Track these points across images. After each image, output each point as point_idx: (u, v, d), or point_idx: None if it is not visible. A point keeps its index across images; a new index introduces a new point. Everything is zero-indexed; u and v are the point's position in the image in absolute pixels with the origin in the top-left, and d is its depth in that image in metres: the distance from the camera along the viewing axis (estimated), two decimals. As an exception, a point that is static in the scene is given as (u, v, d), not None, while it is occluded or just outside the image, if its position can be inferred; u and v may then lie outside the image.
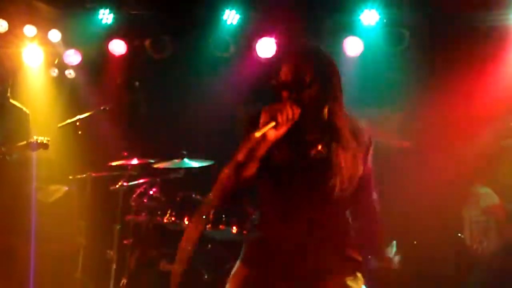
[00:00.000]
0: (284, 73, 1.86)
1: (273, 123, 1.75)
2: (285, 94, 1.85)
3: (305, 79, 1.83)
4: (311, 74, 1.84)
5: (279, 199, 1.91)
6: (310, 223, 1.88)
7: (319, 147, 1.88)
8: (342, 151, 1.87)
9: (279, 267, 1.90)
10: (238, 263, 2.01)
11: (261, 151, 1.77)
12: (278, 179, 1.88)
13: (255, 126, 1.76)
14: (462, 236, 3.62)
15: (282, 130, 1.78)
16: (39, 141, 3.65)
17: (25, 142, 3.61)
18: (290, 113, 1.77)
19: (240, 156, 1.77)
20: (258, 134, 1.73)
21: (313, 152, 1.88)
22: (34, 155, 3.82)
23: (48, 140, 3.67)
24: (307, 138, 1.89)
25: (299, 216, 1.89)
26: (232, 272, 2.00)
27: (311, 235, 1.88)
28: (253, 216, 3.34)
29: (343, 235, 1.97)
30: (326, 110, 1.89)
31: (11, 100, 3.86)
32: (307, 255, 1.90)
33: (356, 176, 1.92)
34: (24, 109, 3.87)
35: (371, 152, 2.00)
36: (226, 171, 1.81)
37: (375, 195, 2.06)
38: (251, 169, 1.79)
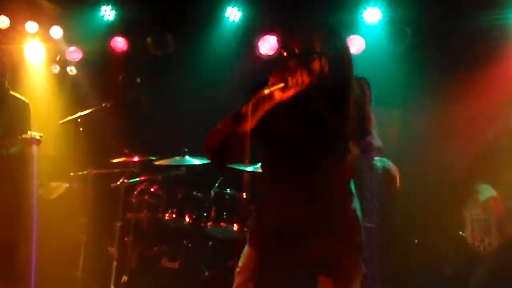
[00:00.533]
0: (295, 43, 1.88)
1: (282, 84, 1.78)
2: (292, 64, 1.87)
3: (315, 50, 1.85)
4: (323, 46, 1.86)
5: (279, 170, 1.92)
6: (310, 195, 1.87)
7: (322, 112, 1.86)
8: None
9: (282, 249, 1.91)
10: (245, 247, 2.03)
11: (265, 108, 1.80)
12: (280, 146, 1.89)
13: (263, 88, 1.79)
14: (463, 235, 3.61)
15: (289, 93, 1.80)
16: (31, 137, 3.61)
17: (19, 137, 3.58)
18: (300, 78, 1.80)
19: (244, 108, 1.80)
20: (267, 91, 1.76)
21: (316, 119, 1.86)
22: (35, 151, 3.81)
23: (41, 136, 3.64)
24: (313, 107, 1.87)
25: (298, 184, 1.88)
26: (241, 257, 2.02)
27: (311, 213, 1.88)
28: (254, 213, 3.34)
29: (342, 212, 1.95)
30: (336, 80, 1.88)
31: (10, 92, 3.84)
32: (306, 237, 1.90)
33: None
34: (24, 98, 3.85)
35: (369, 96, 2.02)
36: (225, 118, 1.85)
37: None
38: (249, 124, 1.80)
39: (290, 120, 1.88)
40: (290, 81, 1.79)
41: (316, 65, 1.85)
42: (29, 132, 3.60)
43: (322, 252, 1.90)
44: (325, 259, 1.91)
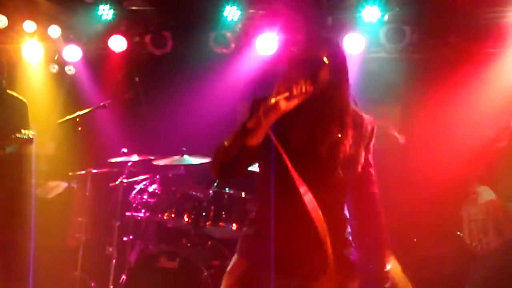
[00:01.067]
0: (301, 50, 1.89)
1: (287, 94, 1.77)
2: (296, 71, 1.85)
3: (321, 59, 1.85)
4: (326, 56, 1.86)
5: (279, 185, 1.88)
6: (308, 217, 1.83)
7: (335, 134, 1.86)
8: (345, 138, 1.87)
9: (275, 262, 1.88)
10: (235, 256, 2.01)
11: (271, 119, 1.76)
12: (282, 161, 1.83)
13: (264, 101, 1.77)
14: (461, 235, 3.61)
15: (293, 103, 1.79)
16: (23, 137, 3.59)
17: (13, 136, 3.57)
18: (304, 87, 1.79)
19: (250, 122, 1.77)
20: (273, 100, 1.74)
21: (328, 140, 1.86)
22: (34, 151, 3.80)
23: (33, 135, 3.62)
24: (319, 123, 1.87)
25: (297, 206, 1.84)
26: (229, 266, 2.00)
27: (308, 230, 1.84)
28: (253, 213, 3.34)
29: (341, 232, 1.95)
30: (336, 94, 1.89)
31: (8, 91, 3.83)
32: (301, 252, 1.88)
33: (357, 160, 1.91)
34: (21, 98, 3.84)
35: (372, 143, 2.00)
36: (232, 135, 1.81)
37: (376, 189, 2.03)
38: (258, 138, 1.77)
39: (302, 138, 1.87)
40: (295, 90, 1.77)
41: (321, 75, 1.85)
42: (23, 131, 3.59)
43: (317, 265, 1.87)
44: (319, 270, 1.87)
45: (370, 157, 2.01)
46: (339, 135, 1.87)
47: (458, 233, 3.63)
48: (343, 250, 1.94)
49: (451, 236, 3.82)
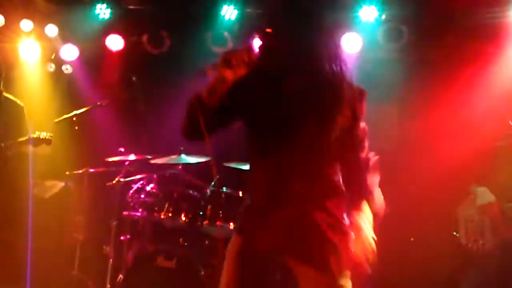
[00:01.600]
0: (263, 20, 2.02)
1: (227, 64, 1.92)
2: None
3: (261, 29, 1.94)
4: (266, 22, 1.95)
5: (263, 156, 1.92)
6: (293, 179, 1.84)
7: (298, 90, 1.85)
8: (323, 90, 1.85)
9: (267, 234, 1.87)
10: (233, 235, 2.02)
11: (221, 89, 1.92)
12: (259, 127, 1.91)
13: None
14: (457, 235, 3.62)
15: (240, 72, 1.90)
16: (41, 137, 3.65)
17: (26, 137, 3.61)
18: (245, 56, 1.91)
19: (203, 92, 1.96)
20: (212, 72, 1.95)
21: (293, 95, 1.85)
22: (31, 150, 3.80)
23: (51, 136, 3.67)
24: (286, 83, 1.87)
25: (284, 172, 1.86)
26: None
27: (297, 200, 1.84)
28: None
29: (333, 196, 1.88)
30: (304, 51, 1.88)
31: (4, 94, 3.83)
32: (293, 225, 1.85)
33: (340, 120, 1.87)
34: (18, 101, 3.85)
35: (362, 106, 1.96)
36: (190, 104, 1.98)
37: (367, 156, 1.97)
38: (213, 104, 1.93)
39: (267, 101, 1.89)
40: (234, 60, 1.90)
41: (257, 42, 1.94)
42: (37, 132, 3.63)
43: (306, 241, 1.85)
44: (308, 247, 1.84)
45: (361, 120, 1.96)
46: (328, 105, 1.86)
47: (454, 233, 3.64)
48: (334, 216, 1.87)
49: (447, 237, 3.82)
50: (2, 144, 3.62)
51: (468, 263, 3.56)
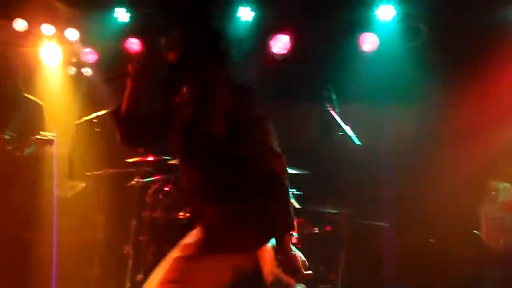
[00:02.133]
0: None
1: (125, 73, 2.11)
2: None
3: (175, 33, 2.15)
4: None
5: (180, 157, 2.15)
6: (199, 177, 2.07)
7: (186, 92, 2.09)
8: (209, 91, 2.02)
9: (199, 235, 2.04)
10: None
11: (129, 95, 2.11)
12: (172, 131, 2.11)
13: None
14: (478, 233, 3.57)
15: (138, 80, 2.12)
16: (46, 138, 3.67)
17: (32, 138, 3.64)
18: (135, 65, 2.11)
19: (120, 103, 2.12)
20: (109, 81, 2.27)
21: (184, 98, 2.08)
22: (55, 151, 3.85)
23: (54, 136, 3.69)
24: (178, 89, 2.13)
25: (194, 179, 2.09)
26: None
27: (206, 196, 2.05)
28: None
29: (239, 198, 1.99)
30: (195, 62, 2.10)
31: (24, 94, 3.90)
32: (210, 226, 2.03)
33: (233, 115, 1.97)
34: (38, 101, 3.90)
35: (251, 100, 2.05)
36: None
37: (268, 146, 1.99)
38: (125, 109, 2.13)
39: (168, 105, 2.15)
40: (130, 69, 2.11)
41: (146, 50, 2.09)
42: (42, 133, 3.66)
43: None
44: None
45: (250, 112, 2.03)
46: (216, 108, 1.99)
47: (475, 232, 3.59)
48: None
49: (469, 236, 3.77)
50: (15, 144, 3.65)
51: (489, 261, 3.50)
